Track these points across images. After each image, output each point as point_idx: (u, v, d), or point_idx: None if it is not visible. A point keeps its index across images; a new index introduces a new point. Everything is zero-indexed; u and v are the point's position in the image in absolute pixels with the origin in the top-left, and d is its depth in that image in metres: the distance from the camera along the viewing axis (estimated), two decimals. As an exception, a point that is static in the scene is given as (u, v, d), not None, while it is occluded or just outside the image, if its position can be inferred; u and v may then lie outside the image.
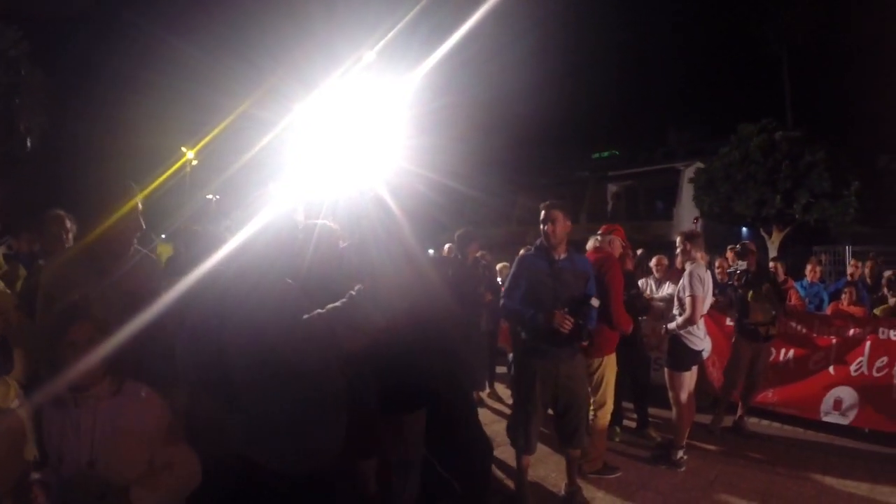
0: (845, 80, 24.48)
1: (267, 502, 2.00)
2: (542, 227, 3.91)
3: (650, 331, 6.14)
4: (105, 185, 2.35)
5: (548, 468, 4.60)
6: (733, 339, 5.81)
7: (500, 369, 7.03)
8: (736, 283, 5.62)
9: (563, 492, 4.11)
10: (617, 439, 5.23)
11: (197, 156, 23.42)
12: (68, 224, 3.62)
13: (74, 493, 1.79)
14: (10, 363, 2.24)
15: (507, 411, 5.24)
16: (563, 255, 3.91)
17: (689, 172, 24.15)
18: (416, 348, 2.76)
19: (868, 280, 7.83)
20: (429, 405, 3.07)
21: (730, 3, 32.40)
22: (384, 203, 2.56)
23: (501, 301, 4.03)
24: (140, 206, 2.41)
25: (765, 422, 5.94)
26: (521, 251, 4.20)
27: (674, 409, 4.79)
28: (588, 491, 4.19)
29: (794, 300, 6.91)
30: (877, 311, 6.38)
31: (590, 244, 4.82)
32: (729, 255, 6.86)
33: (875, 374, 5.47)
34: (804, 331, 6.06)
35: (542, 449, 4.63)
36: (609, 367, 4.44)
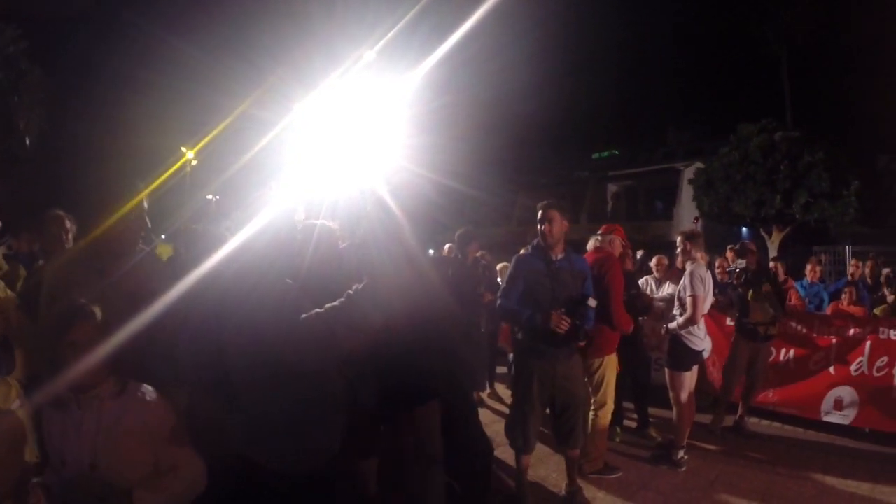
0: (845, 80, 24.47)
1: (267, 502, 2.00)
2: (538, 226, 3.92)
3: (650, 331, 6.13)
4: (110, 183, 2.34)
5: (548, 468, 4.60)
6: (732, 339, 5.81)
7: (501, 369, 7.02)
8: (735, 283, 5.62)
9: (563, 492, 4.11)
10: (617, 439, 5.23)
11: (197, 156, 23.42)
12: (68, 224, 3.61)
13: (76, 495, 1.76)
14: (12, 363, 2.23)
15: (508, 411, 5.24)
16: (560, 255, 3.91)
17: (688, 172, 24.17)
18: (415, 348, 2.75)
19: (868, 280, 7.83)
20: (438, 398, 3.04)
21: (730, 3, 32.43)
22: (384, 203, 2.55)
23: (498, 301, 4.02)
24: (145, 204, 2.40)
25: (765, 422, 5.94)
26: (521, 251, 4.20)
27: (674, 410, 4.78)
28: (589, 491, 4.19)
29: (794, 300, 6.91)
30: (877, 311, 6.39)
31: (590, 244, 4.82)
32: (729, 254, 6.86)
33: (875, 373, 5.47)
34: (804, 331, 6.06)
35: (542, 449, 4.64)
36: (610, 367, 4.43)
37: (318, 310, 1.97)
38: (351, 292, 1.95)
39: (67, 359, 1.80)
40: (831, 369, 5.75)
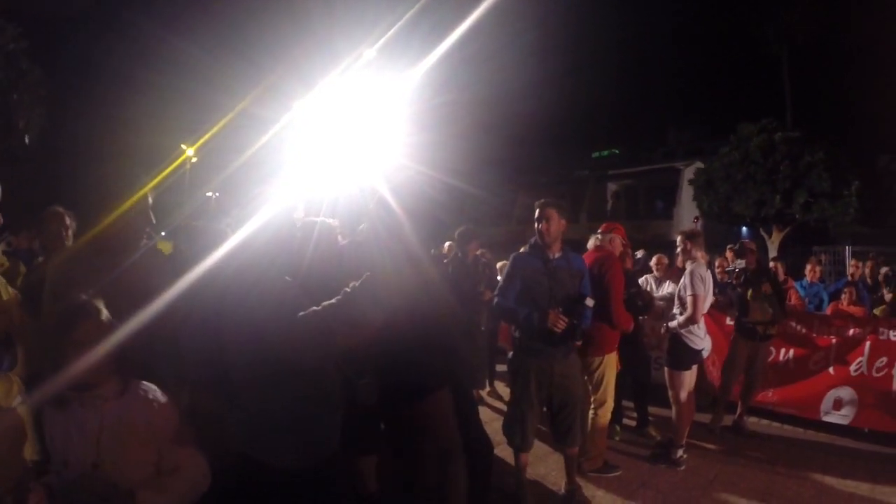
0: (845, 80, 24.54)
1: (267, 499, 2.00)
2: (536, 225, 3.91)
3: (650, 330, 6.14)
4: (110, 180, 2.34)
5: (548, 466, 4.60)
6: (732, 338, 5.82)
7: (501, 367, 7.02)
8: (735, 282, 5.62)
9: (562, 490, 4.11)
10: (617, 438, 5.23)
11: (197, 153, 23.38)
12: (68, 221, 3.62)
13: (78, 495, 1.74)
14: (14, 360, 2.23)
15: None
16: (557, 254, 3.91)
17: (689, 172, 24.19)
18: (415, 346, 2.75)
19: (868, 280, 7.83)
20: (447, 389, 3.01)
21: (730, 3, 32.47)
22: (384, 200, 2.55)
23: (495, 300, 4.01)
24: (150, 199, 2.40)
25: (764, 421, 5.94)
26: (521, 249, 4.20)
27: (674, 408, 4.78)
28: (588, 489, 4.19)
29: (793, 300, 6.92)
30: (876, 312, 6.39)
31: (590, 243, 4.82)
32: (728, 254, 6.87)
33: (875, 374, 5.48)
34: (804, 331, 6.06)
35: (541, 447, 4.64)
36: (610, 366, 4.43)
37: (315, 308, 1.97)
38: (348, 289, 1.95)
39: (71, 357, 1.78)
40: (831, 369, 5.75)
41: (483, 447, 3.47)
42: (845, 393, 5.56)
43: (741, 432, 5.54)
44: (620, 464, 4.64)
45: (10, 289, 2.41)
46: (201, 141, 21.47)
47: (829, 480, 4.51)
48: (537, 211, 3.92)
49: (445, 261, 6.28)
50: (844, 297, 6.88)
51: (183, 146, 23.06)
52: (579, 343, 3.96)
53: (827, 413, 5.62)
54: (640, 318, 5.34)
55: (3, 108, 16.74)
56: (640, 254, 7.81)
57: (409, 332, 2.48)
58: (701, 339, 4.73)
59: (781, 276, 6.88)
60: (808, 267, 8.05)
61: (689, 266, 4.75)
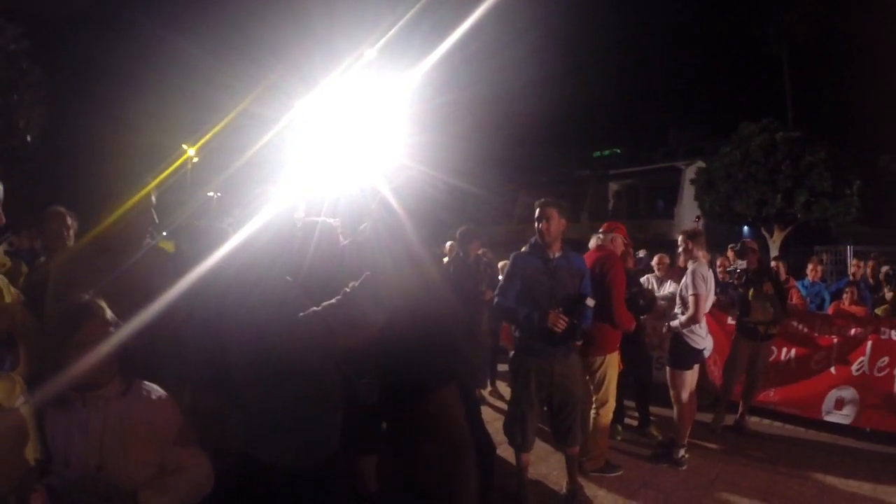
0: (845, 80, 24.53)
1: (267, 498, 2.00)
2: (536, 224, 3.91)
3: (652, 329, 6.13)
4: (111, 180, 2.34)
5: (549, 466, 4.60)
6: (733, 337, 5.81)
7: (502, 367, 7.02)
8: (736, 283, 5.62)
9: (564, 490, 4.11)
10: (619, 437, 5.23)
11: (198, 153, 23.39)
12: (69, 221, 3.62)
13: (80, 496, 1.73)
14: (16, 359, 2.22)
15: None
16: (557, 254, 3.90)
17: (690, 172, 24.17)
18: (416, 346, 2.75)
19: (870, 280, 7.83)
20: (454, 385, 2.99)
21: (731, 3, 32.45)
22: (385, 200, 2.55)
23: (495, 299, 4.01)
24: (154, 199, 2.39)
25: (766, 421, 5.94)
26: (523, 248, 4.20)
27: (675, 408, 4.78)
28: (590, 489, 4.19)
29: (795, 299, 6.91)
30: (878, 311, 6.38)
31: (592, 242, 4.82)
32: (729, 254, 6.86)
33: (876, 373, 5.47)
34: (805, 330, 6.05)
35: (543, 447, 4.64)
36: (611, 366, 4.43)
37: (315, 308, 1.96)
38: (347, 289, 1.95)
39: (76, 357, 1.76)
40: (832, 369, 5.74)
41: (485, 447, 3.47)
42: (847, 393, 5.55)
43: (743, 432, 5.54)
44: (622, 463, 4.64)
45: (12, 289, 2.40)
46: (202, 141, 21.49)
47: (831, 480, 4.51)
48: (537, 210, 3.92)
49: (446, 260, 6.29)
50: (846, 297, 6.88)
51: (184, 146, 23.06)
52: (579, 343, 3.95)
53: (828, 413, 5.61)
54: (642, 317, 5.34)
55: (3, 109, 16.75)
56: (641, 253, 7.81)
57: (410, 332, 2.47)
58: (702, 339, 4.73)
59: (783, 276, 6.87)
60: (810, 266, 8.05)
61: (690, 265, 4.75)
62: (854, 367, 5.60)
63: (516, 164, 30.57)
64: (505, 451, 4.17)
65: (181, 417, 1.97)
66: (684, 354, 4.73)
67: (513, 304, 3.86)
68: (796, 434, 5.68)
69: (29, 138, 17.68)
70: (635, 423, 5.58)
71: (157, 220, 2.42)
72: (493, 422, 4.77)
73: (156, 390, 1.95)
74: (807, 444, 5.42)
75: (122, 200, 2.26)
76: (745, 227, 23.01)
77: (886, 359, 5.44)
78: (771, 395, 5.99)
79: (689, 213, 24.38)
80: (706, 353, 4.98)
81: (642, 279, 6.12)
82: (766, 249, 18.29)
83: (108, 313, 1.88)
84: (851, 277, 8.04)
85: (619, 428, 5.32)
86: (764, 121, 20.02)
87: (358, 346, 2.10)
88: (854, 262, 8.61)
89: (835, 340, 5.82)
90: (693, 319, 4.59)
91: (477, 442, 3.32)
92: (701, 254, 4.77)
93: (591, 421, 4.45)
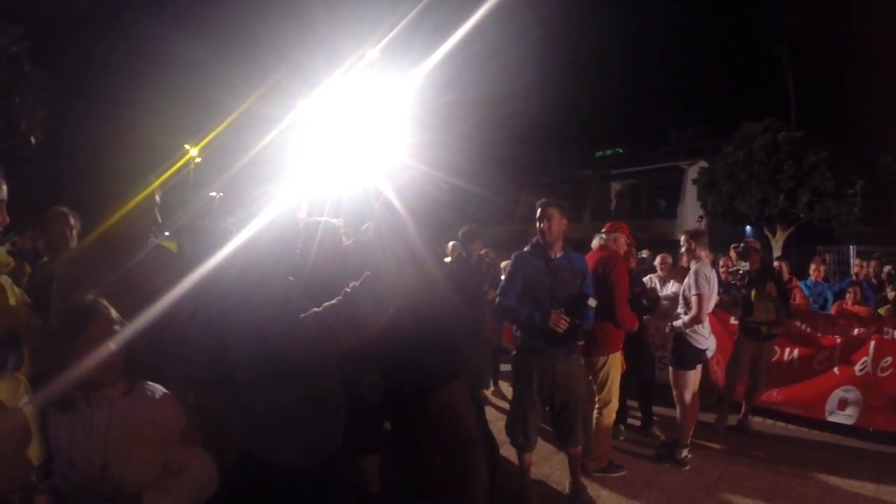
0: (846, 80, 24.47)
1: (269, 498, 2.00)
2: (537, 224, 3.91)
3: (655, 329, 6.13)
4: (113, 180, 2.34)
5: (552, 466, 4.60)
6: (736, 338, 5.80)
7: (505, 367, 7.01)
8: (739, 283, 5.61)
9: (567, 490, 4.11)
10: (622, 438, 5.23)
11: (200, 153, 23.44)
12: (72, 221, 3.62)
13: (84, 496, 1.73)
14: (21, 359, 2.23)
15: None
16: (559, 254, 3.90)
17: (692, 171, 24.12)
18: (418, 346, 2.75)
19: (873, 280, 7.81)
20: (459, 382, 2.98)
21: (732, 3, 32.40)
22: (388, 200, 2.55)
23: (497, 300, 4.01)
24: (158, 199, 2.39)
25: (769, 421, 5.93)
26: (525, 248, 4.19)
27: (678, 408, 4.78)
28: (592, 489, 4.19)
29: (798, 299, 6.90)
30: (881, 311, 6.37)
31: (595, 242, 4.81)
32: (732, 254, 6.85)
33: (879, 373, 5.46)
34: (808, 330, 6.04)
35: (546, 447, 4.64)
36: (614, 366, 4.42)
37: (316, 309, 1.97)
38: (348, 290, 1.95)
39: (81, 357, 1.76)
40: (835, 369, 5.73)
41: (487, 447, 3.47)
42: (850, 393, 5.54)
43: (745, 432, 5.53)
44: (625, 463, 4.64)
45: (16, 289, 2.41)
46: (205, 141, 21.52)
47: (834, 480, 4.50)
48: (538, 210, 3.92)
49: (449, 260, 6.28)
50: (849, 297, 6.86)
51: (186, 146, 23.10)
52: (581, 343, 3.95)
53: (831, 413, 5.60)
54: (645, 317, 5.34)
55: (4, 110, 16.77)
56: (644, 254, 7.80)
57: (412, 332, 2.47)
58: (705, 339, 4.73)
59: (786, 276, 6.86)
60: (813, 266, 8.03)
61: (693, 265, 4.75)
62: (857, 367, 5.59)
63: (518, 164, 30.53)
64: (508, 451, 4.17)
65: (184, 417, 1.96)
66: (687, 354, 4.72)
67: (514, 304, 3.86)
68: (799, 434, 5.67)
69: (33, 140, 17.69)
70: (638, 423, 5.58)
71: (160, 220, 2.42)
72: (495, 422, 4.76)
73: (159, 390, 1.95)
74: (810, 444, 5.41)
75: (125, 200, 2.26)
76: (748, 227, 22.95)
77: (890, 359, 5.42)
78: (774, 396, 5.98)
79: (691, 212, 24.33)
80: (709, 354, 4.98)
81: (645, 279, 6.12)
82: (769, 249, 18.25)
83: (114, 313, 1.88)
84: (854, 277, 8.02)
85: (622, 428, 5.32)
86: (767, 121, 19.96)
87: (359, 345, 2.11)
88: (857, 262, 8.60)
89: (838, 340, 5.81)
90: (696, 319, 4.58)
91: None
92: (704, 254, 4.76)
93: (594, 421, 4.45)
